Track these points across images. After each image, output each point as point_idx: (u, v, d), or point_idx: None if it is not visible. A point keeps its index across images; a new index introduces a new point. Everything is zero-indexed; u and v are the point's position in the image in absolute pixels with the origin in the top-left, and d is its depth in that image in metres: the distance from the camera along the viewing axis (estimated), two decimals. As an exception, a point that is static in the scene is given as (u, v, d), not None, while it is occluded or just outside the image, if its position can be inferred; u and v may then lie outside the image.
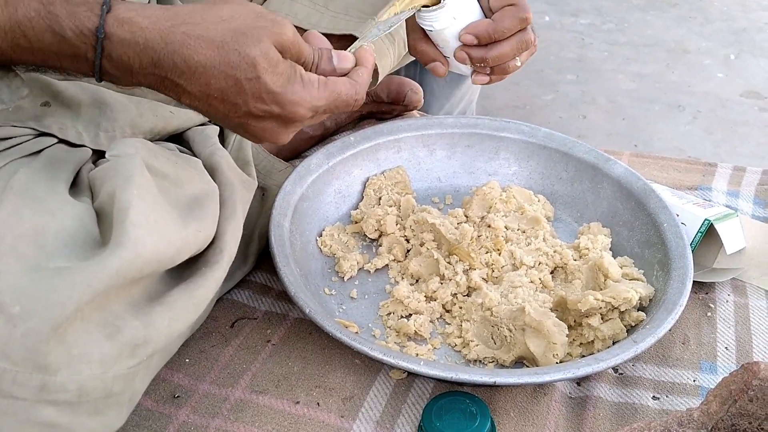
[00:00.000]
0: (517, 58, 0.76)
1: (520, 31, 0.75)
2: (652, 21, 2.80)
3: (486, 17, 0.76)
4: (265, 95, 0.56)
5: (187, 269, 0.64)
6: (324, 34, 0.94)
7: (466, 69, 0.78)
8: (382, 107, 1.09)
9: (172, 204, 0.63)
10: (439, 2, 0.73)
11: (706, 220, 0.83)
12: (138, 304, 0.57)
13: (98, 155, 0.70)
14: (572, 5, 2.82)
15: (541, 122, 2.24)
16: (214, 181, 0.71)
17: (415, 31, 0.79)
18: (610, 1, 2.96)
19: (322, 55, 0.62)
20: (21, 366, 0.48)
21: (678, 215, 0.84)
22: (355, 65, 0.63)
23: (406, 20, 0.75)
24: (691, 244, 0.82)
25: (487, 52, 0.75)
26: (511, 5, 0.74)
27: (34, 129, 0.66)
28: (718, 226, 0.82)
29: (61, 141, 0.68)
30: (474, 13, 0.76)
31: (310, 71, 0.60)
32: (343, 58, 0.62)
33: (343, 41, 0.96)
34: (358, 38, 0.92)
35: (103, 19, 0.52)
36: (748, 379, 0.57)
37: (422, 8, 0.73)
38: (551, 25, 2.67)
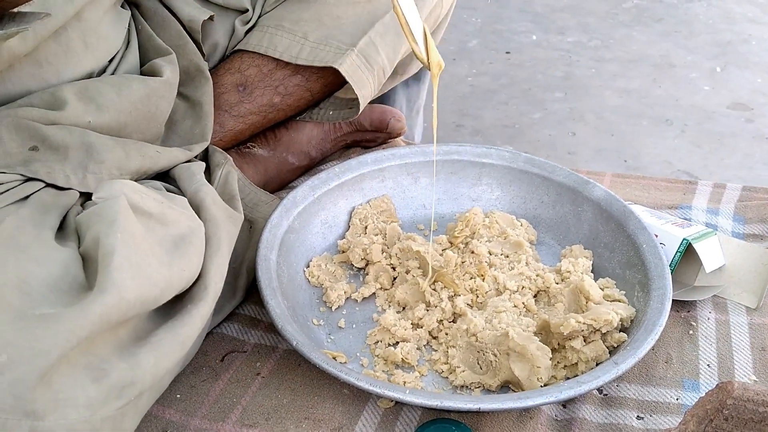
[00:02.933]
0: None
1: None
2: (638, 36, 2.83)
3: None
4: None
5: (173, 307, 0.66)
6: (305, 66, 0.97)
7: None
8: (366, 135, 1.11)
9: (157, 243, 0.64)
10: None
11: (684, 239, 0.84)
12: (125, 345, 0.58)
13: (86, 197, 0.71)
14: (558, 23, 2.85)
15: (530, 140, 2.27)
16: (200, 217, 0.73)
17: None
18: (595, 18, 2.99)
19: None
20: (10, 413, 0.49)
21: (657, 236, 0.85)
22: None
23: None
24: (670, 264, 0.84)
25: None
26: None
27: (22, 175, 0.68)
28: (696, 245, 0.84)
29: (49, 185, 0.70)
30: None
31: None
32: None
33: (323, 72, 0.98)
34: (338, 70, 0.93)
35: None
36: (722, 398, 0.58)
37: None
38: (538, 43, 2.70)
